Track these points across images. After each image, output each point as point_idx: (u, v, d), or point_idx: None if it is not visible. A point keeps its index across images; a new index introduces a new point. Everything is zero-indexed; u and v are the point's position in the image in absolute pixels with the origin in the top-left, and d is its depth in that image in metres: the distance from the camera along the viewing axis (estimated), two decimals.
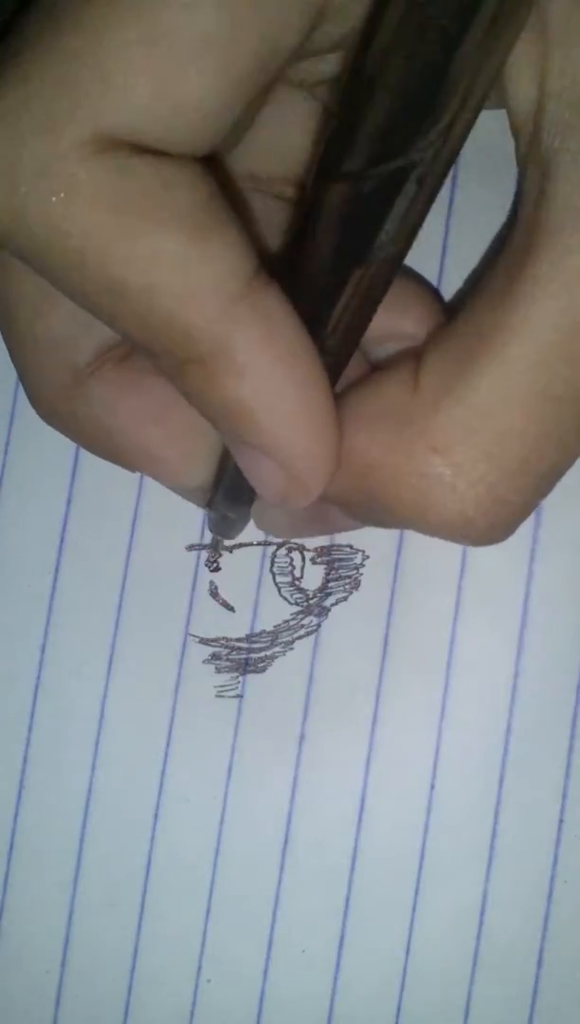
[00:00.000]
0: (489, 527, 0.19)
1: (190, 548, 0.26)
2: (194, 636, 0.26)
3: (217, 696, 0.26)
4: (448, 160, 0.17)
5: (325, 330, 0.19)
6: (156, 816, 0.26)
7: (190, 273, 0.17)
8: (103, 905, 0.26)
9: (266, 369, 0.18)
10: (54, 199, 0.16)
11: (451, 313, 0.22)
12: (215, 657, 0.26)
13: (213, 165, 0.18)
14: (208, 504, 0.23)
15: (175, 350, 0.17)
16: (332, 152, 0.17)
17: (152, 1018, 0.26)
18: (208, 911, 0.26)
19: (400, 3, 0.15)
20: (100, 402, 0.21)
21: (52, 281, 0.17)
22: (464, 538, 0.19)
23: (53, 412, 0.22)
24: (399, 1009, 0.25)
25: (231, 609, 0.26)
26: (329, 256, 0.18)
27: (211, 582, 0.26)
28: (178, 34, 0.15)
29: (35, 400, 0.22)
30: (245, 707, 0.26)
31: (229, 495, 0.23)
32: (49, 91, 0.16)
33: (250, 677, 0.26)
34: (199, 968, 0.26)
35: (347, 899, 0.25)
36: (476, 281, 0.19)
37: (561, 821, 0.25)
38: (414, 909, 0.25)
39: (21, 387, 0.27)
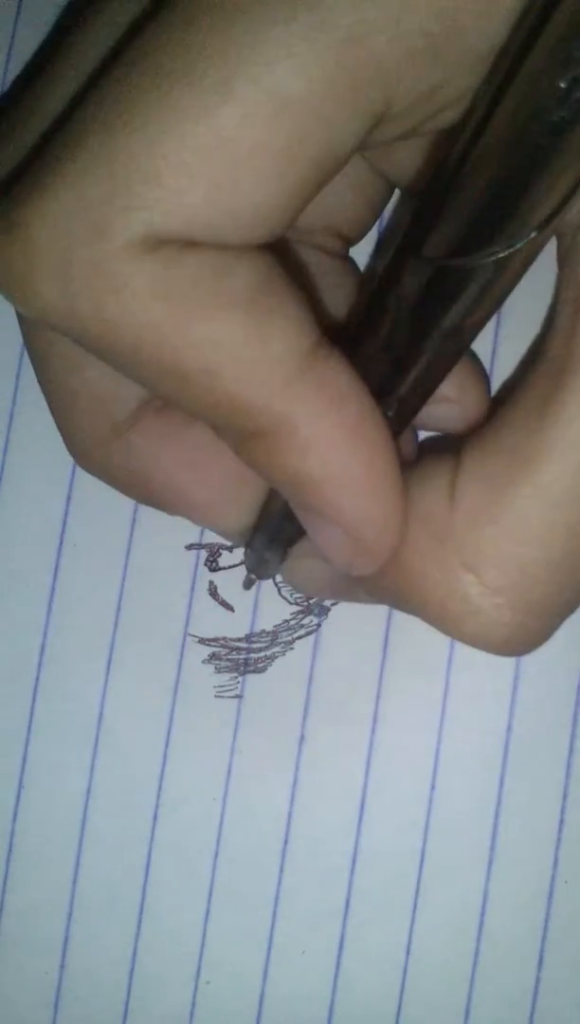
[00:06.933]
0: (508, 647, 0.19)
1: (190, 548, 0.26)
2: (194, 636, 0.26)
3: (217, 696, 0.26)
4: (532, 254, 0.17)
5: (390, 399, 0.19)
6: (156, 816, 0.26)
7: (248, 355, 0.17)
8: (103, 905, 0.26)
9: (331, 442, 0.17)
10: (106, 298, 0.16)
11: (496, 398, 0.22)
12: (214, 657, 0.26)
13: None
14: (247, 544, 0.24)
15: (237, 426, 0.17)
16: (416, 232, 0.17)
17: (151, 1019, 0.26)
18: (208, 911, 0.26)
19: (509, 108, 0.15)
20: (140, 453, 0.21)
21: (111, 366, 0.17)
22: (483, 650, 0.19)
23: (92, 462, 0.22)
24: (399, 1009, 0.25)
25: (231, 609, 0.26)
26: (402, 332, 0.18)
27: (211, 582, 0.26)
28: (236, 141, 0.15)
29: (73, 451, 0.22)
30: (245, 707, 0.26)
31: (269, 538, 0.23)
32: (102, 192, 0.15)
33: (250, 677, 0.26)
34: (198, 969, 0.26)
35: (347, 899, 0.25)
36: (512, 389, 0.19)
37: (561, 822, 0.25)
38: (414, 909, 0.25)
39: (22, 388, 0.27)
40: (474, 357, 0.24)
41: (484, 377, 0.23)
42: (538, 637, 0.19)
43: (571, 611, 0.19)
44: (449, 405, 0.22)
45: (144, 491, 0.22)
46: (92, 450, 0.22)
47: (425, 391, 0.20)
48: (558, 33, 0.14)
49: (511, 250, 0.16)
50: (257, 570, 0.24)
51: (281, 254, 0.17)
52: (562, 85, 0.14)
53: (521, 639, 0.19)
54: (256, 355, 0.17)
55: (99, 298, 0.16)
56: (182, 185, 0.15)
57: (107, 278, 0.16)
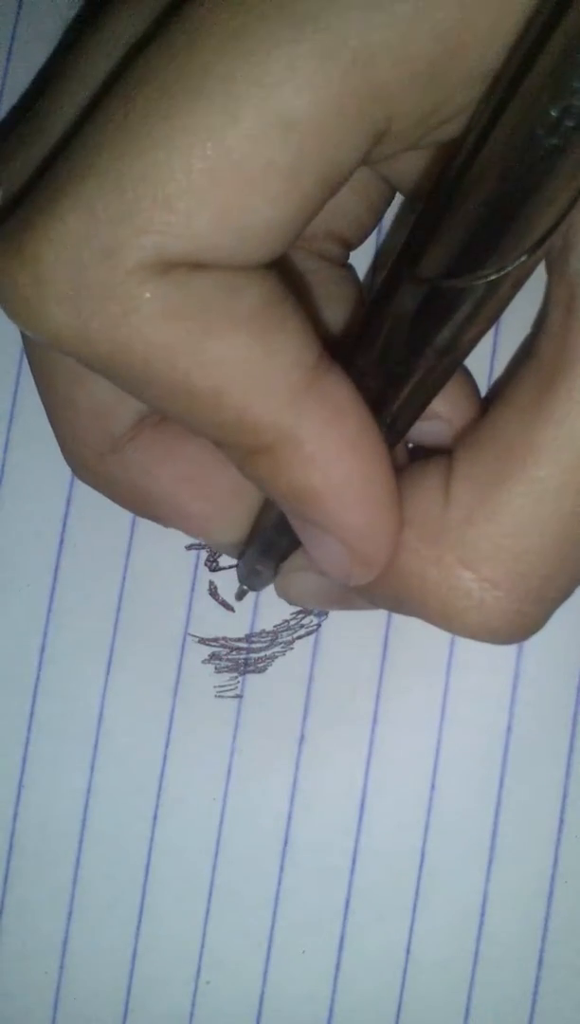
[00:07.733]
0: (511, 635, 0.20)
1: (190, 548, 0.26)
2: (194, 636, 0.26)
3: (217, 696, 0.26)
4: (523, 276, 0.17)
5: (384, 412, 0.19)
6: (156, 816, 0.26)
7: (255, 372, 0.17)
8: (103, 905, 0.26)
9: (334, 455, 0.18)
10: (117, 320, 0.16)
11: (484, 404, 0.22)
12: (214, 657, 0.26)
13: None
14: (239, 557, 0.24)
15: (243, 442, 0.18)
16: (411, 251, 0.17)
17: (151, 1019, 0.26)
18: (208, 912, 0.26)
19: (502, 134, 0.15)
20: (137, 467, 0.21)
21: (118, 386, 0.17)
22: (485, 641, 0.20)
23: (89, 474, 0.22)
24: (399, 1009, 0.25)
25: (231, 609, 0.26)
26: (397, 348, 0.18)
27: (211, 582, 0.26)
28: (243, 163, 0.15)
29: (71, 463, 0.22)
30: (245, 707, 0.26)
31: (262, 551, 0.23)
32: (112, 216, 0.15)
33: (250, 677, 0.26)
34: (198, 969, 0.26)
35: (347, 899, 0.25)
36: (503, 389, 0.20)
37: (561, 821, 0.25)
38: (414, 909, 0.25)
39: (21, 388, 0.27)
40: (467, 374, 0.25)
41: (475, 395, 0.23)
42: (537, 623, 0.20)
43: (568, 595, 0.20)
44: (439, 422, 0.22)
45: (141, 504, 0.22)
46: (90, 463, 0.22)
47: (419, 406, 0.20)
48: (552, 62, 0.14)
49: (502, 273, 0.16)
50: (249, 581, 0.25)
51: (282, 265, 0.17)
52: (554, 113, 0.14)
53: (522, 626, 0.19)
54: (263, 372, 0.17)
55: (111, 321, 0.16)
56: (192, 208, 0.15)
57: (119, 301, 0.16)
